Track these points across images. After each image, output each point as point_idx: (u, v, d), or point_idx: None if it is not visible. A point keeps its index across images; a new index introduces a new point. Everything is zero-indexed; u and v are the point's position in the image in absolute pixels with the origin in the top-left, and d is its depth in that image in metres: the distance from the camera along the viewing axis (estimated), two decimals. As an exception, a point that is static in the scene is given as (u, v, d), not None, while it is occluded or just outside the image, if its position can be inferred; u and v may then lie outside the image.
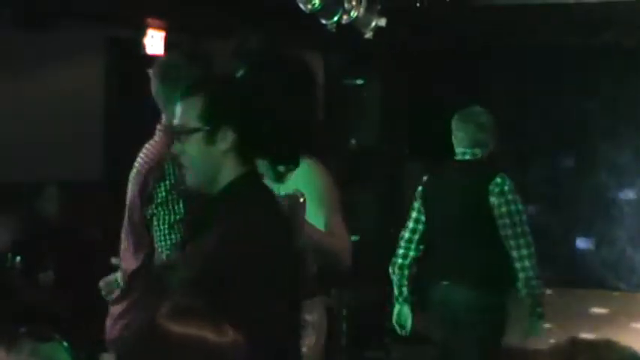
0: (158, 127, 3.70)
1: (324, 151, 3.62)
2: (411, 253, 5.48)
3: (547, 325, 5.67)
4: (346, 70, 10.38)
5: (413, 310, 5.54)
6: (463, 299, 5.17)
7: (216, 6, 7.53)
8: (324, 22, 6.37)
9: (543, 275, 5.26)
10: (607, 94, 11.19)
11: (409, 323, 5.55)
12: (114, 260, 4.02)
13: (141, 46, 8.02)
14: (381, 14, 7.25)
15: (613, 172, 11.24)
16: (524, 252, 5.07)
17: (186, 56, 3.76)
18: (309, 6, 5.98)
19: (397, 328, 5.63)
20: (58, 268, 6.88)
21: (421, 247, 5.45)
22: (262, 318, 2.55)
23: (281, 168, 3.30)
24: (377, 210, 10.16)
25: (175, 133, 2.80)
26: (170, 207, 3.48)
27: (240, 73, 3.49)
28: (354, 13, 6.60)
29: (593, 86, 11.20)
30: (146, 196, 3.52)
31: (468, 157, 5.32)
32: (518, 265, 5.08)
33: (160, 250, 3.48)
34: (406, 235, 5.49)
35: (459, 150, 5.37)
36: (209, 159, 2.78)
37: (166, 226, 3.46)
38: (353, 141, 10.21)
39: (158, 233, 3.48)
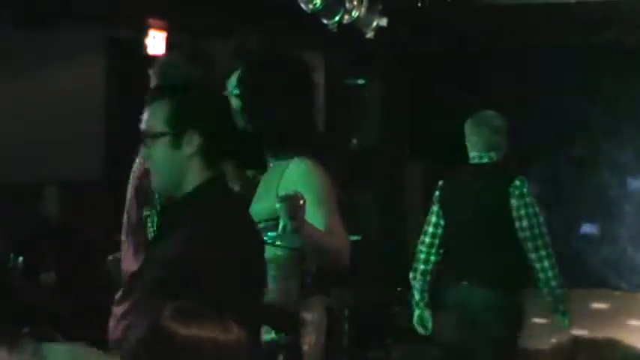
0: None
1: (324, 151, 3.61)
2: (432, 258, 5.54)
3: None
4: (347, 70, 10.38)
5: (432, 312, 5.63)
6: (483, 300, 5.25)
7: (217, 6, 7.53)
8: (325, 21, 6.37)
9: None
10: (608, 93, 11.18)
11: (430, 325, 5.62)
12: (110, 257, 4.02)
13: (141, 46, 8.02)
14: (382, 14, 7.24)
15: (615, 171, 11.24)
16: (543, 252, 5.17)
17: (186, 56, 3.76)
18: (311, 6, 5.98)
19: (419, 329, 5.70)
20: (59, 268, 6.87)
21: (441, 250, 5.52)
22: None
23: (249, 172, 3.29)
24: (378, 210, 10.16)
25: (144, 137, 2.79)
26: None
27: (238, 73, 3.49)
28: (355, 13, 6.59)
29: (594, 85, 11.19)
30: (142, 198, 3.52)
31: (485, 160, 5.38)
32: (537, 265, 5.18)
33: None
34: (427, 240, 5.55)
35: (474, 154, 5.44)
36: (175, 163, 2.78)
37: None
38: (354, 141, 10.20)
39: (151, 235, 3.48)
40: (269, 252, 3.47)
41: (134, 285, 3.79)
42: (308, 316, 3.56)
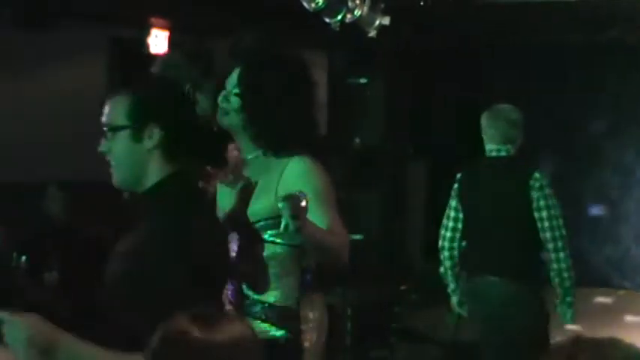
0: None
1: (324, 150, 3.61)
2: (456, 253, 5.64)
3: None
4: (350, 69, 10.37)
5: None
6: (506, 292, 5.34)
7: (219, 5, 7.53)
8: (327, 20, 6.37)
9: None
10: (611, 92, 11.18)
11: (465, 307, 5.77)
12: None
13: (143, 46, 8.02)
14: (384, 13, 7.24)
15: (618, 170, 11.24)
16: (560, 244, 5.29)
17: (186, 55, 3.76)
18: (313, 5, 5.98)
19: (462, 312, 5.84)
20: (62, 267, 6.88)
21: (463, 243, 5.62)
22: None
23: (208, 168, 3.29)
24: (380, 209, 10.16)
25: (104, 130, 2.79)
26: None
27: (238, 72, 3.49)
28: (357, 12, 6.59)
29: (597, 84, 11.19)
30: None
31: (503, 153, 5.48)
32: (552, 256, 5.29)
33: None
34: (448, 234, 5.64)
35: (491, 147, 5.52)
36: (135, 157, 2.78)
37: None
38: (357, 140, 10.20)
39: None
40: (268, 249, 3.48)
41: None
42: (309, 313, 3.57)
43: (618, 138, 11.23)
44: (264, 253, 3.49)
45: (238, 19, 7.27)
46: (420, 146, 11.45)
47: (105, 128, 2.80)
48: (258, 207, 3.43)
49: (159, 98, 2.82)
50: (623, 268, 11.14)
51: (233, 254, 3.61)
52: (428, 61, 11.05)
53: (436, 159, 11.36)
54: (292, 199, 3.01)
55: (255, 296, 3.54)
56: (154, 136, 2.76)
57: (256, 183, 3.45)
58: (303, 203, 3.01)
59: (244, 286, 3.58)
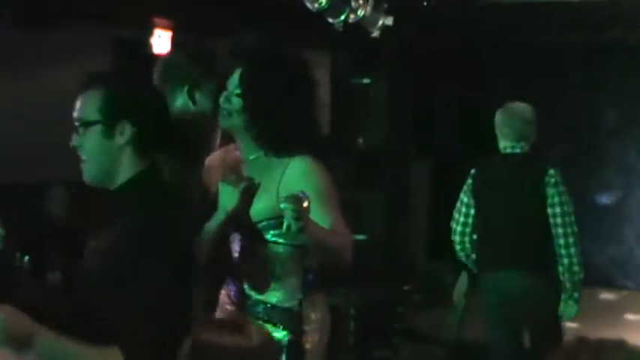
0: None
1: (326, 150, 3.61)
2: (467, 245, 5.73)
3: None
4: (353, 70, 10.37)
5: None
6: (524, 284, 5.45)
7: (222, 5, 7.53)
8: (331, 20, 6.37)
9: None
10: (613, 92, 11.18)
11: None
12: None
13: (146, 46, 8.02)
14: (387, 13, 7.24)
15: (621, 170, 11.23)
16: (571, 240, 5.40)
17: (188, 55, 3.75)
18: (316, 5, 5.98)
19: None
20: (64, 267, 6.88)
21: (474, 237, 5.71)
22: (154, 314, 2.57)
23: (177, 166, 3.28)
24: (384, 209, 10.16)
25: (75, 125, 2.79)
26: None
27: (239, 72, 3.48)
28: (360, 12, 6.59)
29: (599, 84, 11.18)
30: None
31: (517, 150, 5.58)
32: (563, 251, 5.40)
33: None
34: (459, 229, 5.74)
35: (505, 144, 5.62)
36: (107, 153, 2.78)
37: None
38: (360, 140, 10.20)
39: None
40: (270, 250, 3.48)
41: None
42: (311, 314, 3.56)
43: (621, 138, 11.22)
44: (266, 254, 3.49)
45: (241, 19, 7.27)
46: (423, 146, 11.45)
47: (76, 123, 2.79)
48: (259, 207, 3.43)
49: (131, 94, 2.82)
50: (626, 268, 11.14)
51: (235, 254, 3.61)
52: (431, 62, 11.05)
53: (439, 159, 11.37)
54: (294, 200, 3.00)
55: (258, 297, 3.54)
56: (125, 132, 2.75)
57: (259, 184, 3.45)
58: (305, 204, 3.01)
59: (246, 287, 3.58)
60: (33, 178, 7.38)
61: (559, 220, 5.40)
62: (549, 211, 5.40)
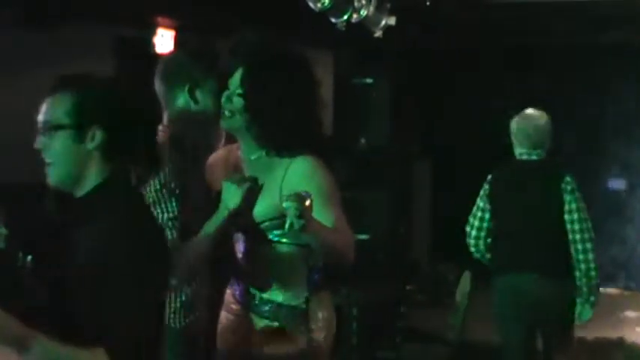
0: (160, 127, 3.69)
1: (328, 150, 3.60)
2: (482, 248, 5.83)
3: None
4: (356, 69, 10.37)
5: None
6: (544, 287, 5.54)
7: (226, 4, 7.53)
8: (333, 20, 6.36)
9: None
10: (617, 93, 11.17)
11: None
12: None
13: (149, 45, 8.01)
14: (390, 13, 7.24)
15: (624, 170, 11.22)
16: (588, 245, 5.53)
17: (189, 54, 3.75)
18: (319, 4, 5.97)
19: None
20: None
21: (488, 240, 5.81)
22: (124, 322, 2.57)
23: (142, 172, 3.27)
24: (386, 209, 10.15)
25: (42, 128, 2.78)
26: (162, 206, 3.47)
27: (240, 72, 3.48)
28: (363, 12, 6.58)
29: (604, 84, 11.17)
30: None
31: (534, 157, 5.69)
32: (581, 256, 5.52)
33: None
34: (474, 232, 5.83)
35: (522, 150, 5.72)
36: (75, 157, 2.75)
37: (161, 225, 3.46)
38: (362, 140, 10.19)
39: None
40: (275, 249, 3.48)
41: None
42: (317, 312, 3.57)
43: (624, 138, 11.21)
44: (270, 254, 3.49)
45: (242, 18, 7.27)
46: (425, 146, 11.45)
47: (43, 126, 2.77)
48: (262, 207, 3.43)
49: (103, 99, 2.79)
50: (628, 268, 11.13)
51: (239, 255, 3.61)
52: (434, 61, 11.04)
53: (442, 159, 11.37)
54: (297, 199, 3.00)
55: (264, 296, 3.54)
56: (96, 137, 2.74)
57: (262, 185, 3.45)
58: (308, 202, 3.00)
59: (251, 286, 3.59)
60: (34, 178, 7.37)
61: (577, 226, 5.52)
62: (567, 217, 5.52)
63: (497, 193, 5.77)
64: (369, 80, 10.23)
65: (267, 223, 3.43)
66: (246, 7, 7.09)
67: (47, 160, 2.80)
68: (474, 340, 7.37)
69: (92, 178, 2.77)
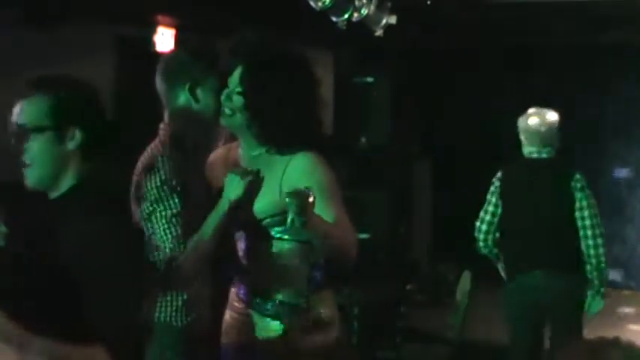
0: (161, 126, 3.69)
1: (328, 148, 3.60)
2: (490, 243, 5.90)
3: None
4: (356, 68, 10.37)
5: None
6: (548, 285, 5.64)
7: (224, 4, 7.53)
8: (334, 19, 6.37)
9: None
10: (617, 93, 11.17)
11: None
12: None
13: (149, 44, 8.01)
14: (391, 12, 7.24)
15: (624, 170, 11.22)
16: (600, 241, 5.66)
17: (189, 53, 3.75)
18: (320, 3, 5.97)
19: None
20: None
21: (496, 235, 5.88)
22: (102, 323, 2.58)
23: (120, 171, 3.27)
24: (387, 208, 10.15)
25: (20, 131, 2.78)
26: (165, 202, 3.47)
27: (240, 71, 3.48)
28: (364, 11, 6.59)
29: (605, 84, 11.17)
30: (141, 196, 3.52)
31: (544, 155, 5.78)
32: (592, 251, 5.65)
33: (162, 245, 3.48)
34: (484, 227, 5.89)
35: (531, 149, 5.81)
36: (55, 158, 2.77)
37: (164, 222, 3.46)
38: (363, 139, 10.20)
39: (158, 230, 3.48)
40: (276, 246, 3.48)
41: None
42: (320, 310, 3.56)
43: (625, 138, 11.21)
44: (272, 251, 3.49)
45: (244, 17, 7.27)
46: (425, 146, 11.45)
47: (18, 129, 2.77)
48: (262, 204, 3.43)
49: (79, 99, 2.81)
50: (628, 268, 11.13)
51: (241, 253, 3.61)
52: (434, 61, 11.04)
53: (442, 159, 11.37)
54: (298, 195, 3.00)
55: (266, 294, 3.54)
56: (75, 137, 2.75)
57: (263, 178, 3.45)
58: (310, 199, 3.01)
59: (254, 285, 3.59)
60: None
61: (588, 222, 5.65)
62: (578, 214, 5.65)
63: (508, 190, 5.84)
64: (369, 79, 10.24)
65: (268, 220, 3.43)
66: (246, 7, 7.09)
67: (26, 162, 2.80)
68: (474, 340, 7.38)
69: (68, 178, 2.79)
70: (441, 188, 11.28)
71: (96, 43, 8.05)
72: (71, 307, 2.55)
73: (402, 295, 8.67)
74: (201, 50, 3.77)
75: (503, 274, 5.98)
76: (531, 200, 5.76)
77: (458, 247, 6.22)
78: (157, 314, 3.58)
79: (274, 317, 3.51)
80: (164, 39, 8.12)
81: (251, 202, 3.43)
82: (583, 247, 5.65)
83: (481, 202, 5.90)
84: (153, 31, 8.08)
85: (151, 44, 8.06)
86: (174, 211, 3.46)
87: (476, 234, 5.91)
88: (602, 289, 5.69)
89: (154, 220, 3.47)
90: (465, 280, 6.38)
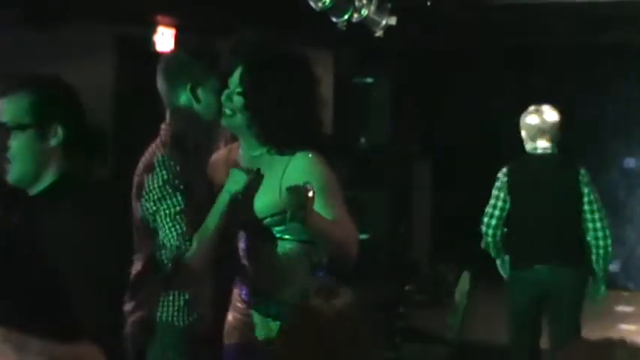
0: (162, 126, 3.70)
1: (329, 147, 3.61)
2: (498, 238, 5.95)
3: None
4: (356, 69, 10.37)
5: None
6: (555, 279, 5.75)
7: (224, 3, 7.53)
8: (334, 20, 6.37)
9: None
10: (617, 93, 11.17)
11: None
12: None
13: (150, 44, 8.01)
14: (391, 13, 7.24)
15: (624, 170, 11.22)
16: (607, 232, 5.79)
17: (190, 53, 3.76)
18: (320, 4, 5.98)
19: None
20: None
21: (504, 229, 5.96)
22: (86, 317, 2.58)
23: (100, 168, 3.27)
24: (386, 209, 10.15)
25: (1, 129, 2.78)
26: (169, 200, 3.48)
27: (240, 71, 3.49)
28: (364, 12, 6.59)
29: (605, 84, 11.17)
30: (143, 195, 3.52)
31: (548, 151, 5.88)
32: (601, 242, 5.78)
33: (167, 244, 3.49)
34: (493, 222, 5.93)
35: (534, 145, 5.90)
36: (37, 155, 2.78)
37: (168, 220, 3.46)
38: (362, 139, 10.20)
39: (163, 228, 3.48)
40: (277, 246, 3.48)
41: (138, 285, 3.78)
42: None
43: (626, 139, 11.21)
44: (273, 250, 3.49)
45: (244, 17, 7.27)
46: (425, 146, 11.45)
47: (1, 127, 2.78)
48: (263, 203, 3.43)
49: (61, 96, 2.82)
50: (628, 268, 11.13)
51: (242, 253, 3.61)
52: (434, 61, 11.04)
53: (442, 159, 11.36)
54: (298, 190, 3.01)
55: (268, 294, 3.54)
56: (58, 134, 2.76)
57: (263, 175, 3.45)
58: (310, 194, 3.01)
59: (255, 285, 3.59)
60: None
61: (596, 215, 5.78)
62: (586, 207, 5.78)
63: (515, 185, 5.89)
64: (369, 80, 10.25)
65: (268, 220, 3.44)
66: (246, 7, 7.09)
67: (8, 159, 2.81)
68: (474, 340, 7.38)
69: (49, 175, 2.80)
70: (441, 188, 11.28)
71: (96, 43, 8.03)
72: (52, 304, 2.55)
73: (401, 295, 8.67)
74: (202, 50, 3.78)
75: (502, 271, 6.02)
76: (539, 195, 5.84)
77: (457, 248, 6.22)
78: (159, 314, 3.58)
79: (275, 318, 3.51)
80: (164, 39, 8.12)
81: (251, 200, 3.43)
82: (591, 238, 5.75)
83: (481, 202, 5.91)
84: (153, 31, 8.08)
85: (151, 44, 8.05)
86: (178, 208, 3.47)
87: (484, 229, 5.94)
88: (603, 274, 5.83)
89: (159, 219, 3.48)
90: (464, 281, 6.38)
